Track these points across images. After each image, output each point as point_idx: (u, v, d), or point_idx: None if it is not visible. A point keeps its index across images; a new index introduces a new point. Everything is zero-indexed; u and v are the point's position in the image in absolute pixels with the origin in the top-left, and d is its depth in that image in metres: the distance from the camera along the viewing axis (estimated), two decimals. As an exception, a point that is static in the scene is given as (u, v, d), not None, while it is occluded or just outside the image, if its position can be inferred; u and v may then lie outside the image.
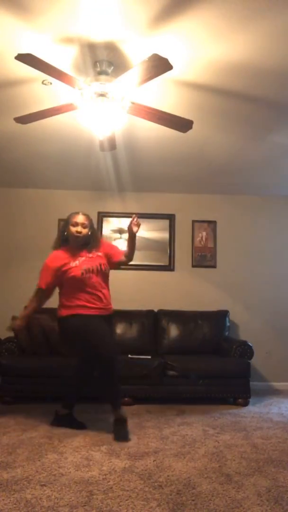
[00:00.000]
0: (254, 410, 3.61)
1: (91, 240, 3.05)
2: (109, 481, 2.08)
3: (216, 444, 2.66)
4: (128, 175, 4.30)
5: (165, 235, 4.90)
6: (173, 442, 2.71)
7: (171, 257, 4.87)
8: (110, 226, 4.92)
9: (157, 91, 2.75)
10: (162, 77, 2.36)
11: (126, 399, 3.67)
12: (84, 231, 3.00)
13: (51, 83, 2.65)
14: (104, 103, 2.46)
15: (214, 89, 2.72)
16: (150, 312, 4.50)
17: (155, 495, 1.94)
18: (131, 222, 2.94)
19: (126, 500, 1.89)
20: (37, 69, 2.23)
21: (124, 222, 4.90)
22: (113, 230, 4.91)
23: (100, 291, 2.95)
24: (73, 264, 2.92)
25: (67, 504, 1.83)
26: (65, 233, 3.04)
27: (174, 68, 2.25)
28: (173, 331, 4.36)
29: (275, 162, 4.02)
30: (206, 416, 3.35)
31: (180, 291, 4.75)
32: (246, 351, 3.90)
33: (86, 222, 3.02)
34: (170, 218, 4.92)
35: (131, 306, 4.55)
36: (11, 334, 4.01)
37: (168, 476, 2.16)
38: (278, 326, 4.76)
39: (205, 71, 2.53)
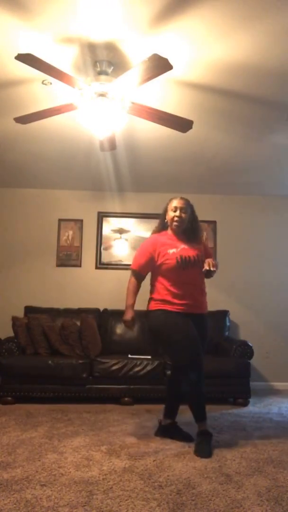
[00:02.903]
0: (254, 410, 3.61)
1: (193, 228, 2.82)
2: (109, 481, 2.08)
3: (216, 444, 2.65)
4: (128, 175, 4.30)
5: (165, 235, 4.90)
6: (173, 442, 2.71)
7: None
8: (110, 226, 4.92)
9: (158, 91, 2.75)
10: (163, 77, 2.37)
11: (126, 399, 3.69)
12: (184, 215, 2.75)
13: (51, 83, 2.65)
14: (104, 103, 2.46)
15: (215, 89, 2.72)
16: (150, 312, 4.49)
17: (155, 495, 1.94)
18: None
19: (126, 500, 1.89)
20: (37, 69, 2.23)
21: (124, 222, 4.91)
22: (113, 230, 4.91)
23: (194, 285, 2.70)
24: (170, 251, 2.69)
25: (67, 504, 1.83)
26: (166, 220, 2.82)
27: (175, 68, 2.25)
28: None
29: (275, 162, 4.02)
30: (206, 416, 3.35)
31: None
32: (246, 351, 3.90)
33: (185, 207, 2.77)
34: (170, 218, 4.92)
35: (131, 306, 4.55)
36: (11, 333, 4.02)
37: (168, 476, 2.16)
38: (278, 326, 4.76)
39: (206, 71, 2.53)
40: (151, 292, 2.79)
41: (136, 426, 3.02)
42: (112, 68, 2.49)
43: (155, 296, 2.74)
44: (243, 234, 4.93)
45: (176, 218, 2.74)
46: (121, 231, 4.90)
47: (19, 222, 4.84)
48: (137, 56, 2.40)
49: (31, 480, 2.08)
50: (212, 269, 2.62)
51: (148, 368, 3.75)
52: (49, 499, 1.88)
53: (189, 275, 2.67)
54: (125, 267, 4.83)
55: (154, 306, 2.73)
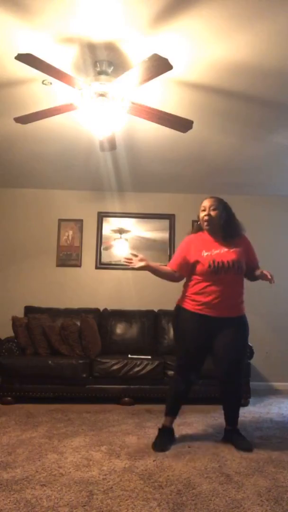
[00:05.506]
0: (254, 410, 3.61)
1: (230, 225, 2.70)
2: (109, 481, 2.08)
3: (216, 444, 2.65)
4: (128, 175, 4.31)
5: (165, 235, 4.90)
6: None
7: (171, 257, 4.85)
8: (110, 226, 4.92)
9: (158, 91, 2.75)
10: (163, 77, 2.37)
11: (126, 399, 3.68)
12: (214, 213, 2.64)
13: (51, 83, 2.65)
14: (104, 103, 2.46)
15: (215, 89, 2.72)
16: (150, 312, 4.50)
17: (155, 495, 1.94)
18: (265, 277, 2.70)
19: (126, 500, 1.89)
20: (37, 69, 2.23)
21: (124, 222, 4.91)
22: (113, 230, 4.91)
23: (227, 288, 2.61)
24: (204, 253, 2.61)
25: (67, 504, 1.83)
26: (198, 222, 2.79)
27: (175, 68, 2.25)
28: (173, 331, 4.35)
29: (275, 162, 4.02)
30: (206, 416, 3.35)
31: (180, 291, 4.74)
32: (246, 351, 3.89)
33: (215, 204, 2.66)
34: (170, 218, 4.92)
35: (131, 306, 4.55)
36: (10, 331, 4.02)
37: (168, 476, 2.16)
38: (278, 326, 4.76)
39: (206, 71, 2.53)
40: (183, 288, 2.80)
41: (136, 426, 3.02)
42: (112, 68, 2.50)
43: (183, 292, 2.76)
44: (243, 234, 4.93)
45: (205, 218, 2.67)
46: (121, 231, 4.90)
47: (19, 222, 4.84)
48: (137, 56, 2.40)
49: (31, 480, 2.08)
50: (272, 282, 2.71)
51: (148, 368, 3.75)
52: (49, 499, 1.88)
53: (222, 279, 2.59)
54: (125, 267, 4.82)
55: (178, 301, 2.77)
